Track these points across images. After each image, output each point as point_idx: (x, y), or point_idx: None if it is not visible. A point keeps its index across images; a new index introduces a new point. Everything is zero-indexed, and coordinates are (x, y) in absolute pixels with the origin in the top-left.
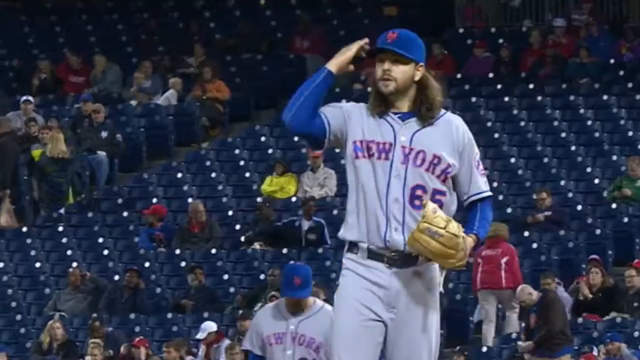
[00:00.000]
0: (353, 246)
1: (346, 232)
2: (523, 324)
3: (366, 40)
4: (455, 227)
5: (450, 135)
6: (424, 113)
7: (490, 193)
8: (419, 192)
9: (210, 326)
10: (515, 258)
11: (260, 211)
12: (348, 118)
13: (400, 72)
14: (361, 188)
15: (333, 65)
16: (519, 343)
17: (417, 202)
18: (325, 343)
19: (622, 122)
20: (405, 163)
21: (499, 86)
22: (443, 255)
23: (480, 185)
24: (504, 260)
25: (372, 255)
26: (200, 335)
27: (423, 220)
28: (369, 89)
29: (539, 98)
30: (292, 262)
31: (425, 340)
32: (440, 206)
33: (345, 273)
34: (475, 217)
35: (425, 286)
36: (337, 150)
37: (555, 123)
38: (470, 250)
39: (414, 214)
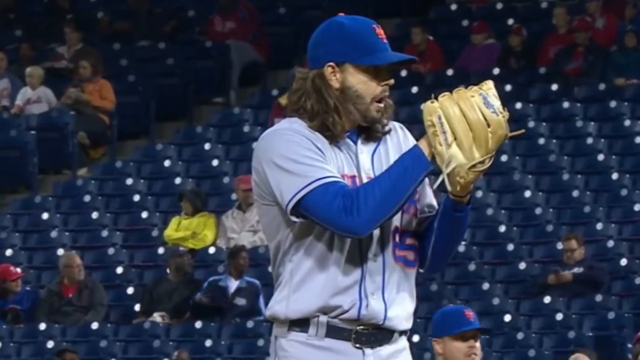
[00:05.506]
0: (301, 323)
1: (290, 308)
2: None
3: None
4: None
5: (400, 145)
6: (379, 124)
7: None
8: (409, 241)
9: None
10: None
11: (177, 265)
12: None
13: None
14: (322, 245)
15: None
16: None
17: (410, 258)
18: None
19: None
20: None
21: (507, 87)
22: (482, 133)
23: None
24: None
25: (333, 332)
26: None
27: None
28: (302, 95)
29: (566, 104)
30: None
31: None
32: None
33: None
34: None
35: None
36: None
37: (589, 140)
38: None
39: (400, 272)
